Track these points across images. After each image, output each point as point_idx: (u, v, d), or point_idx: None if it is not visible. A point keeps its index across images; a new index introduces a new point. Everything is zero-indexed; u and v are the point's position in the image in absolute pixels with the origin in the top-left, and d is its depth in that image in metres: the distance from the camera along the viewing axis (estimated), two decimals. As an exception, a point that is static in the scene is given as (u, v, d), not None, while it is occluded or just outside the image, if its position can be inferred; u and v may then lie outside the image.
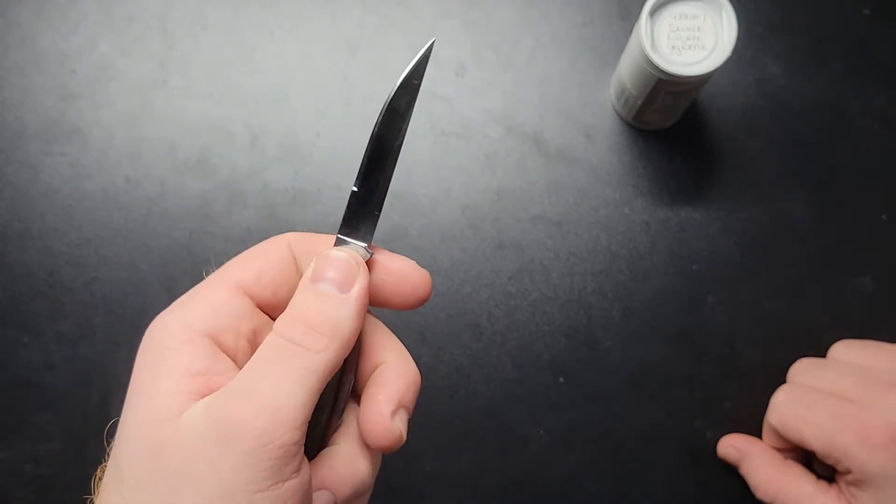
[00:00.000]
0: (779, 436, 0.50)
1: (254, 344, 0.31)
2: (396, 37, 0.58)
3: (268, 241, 0.33)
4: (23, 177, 0.56)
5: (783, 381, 0.52)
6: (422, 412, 0.55)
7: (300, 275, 0.32)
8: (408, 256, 0.34)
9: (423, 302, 0.34)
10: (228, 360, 0.30)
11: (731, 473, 0.53)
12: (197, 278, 0.33)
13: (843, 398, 0.47)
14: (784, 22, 0.57)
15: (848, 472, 0.45)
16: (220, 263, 0.33)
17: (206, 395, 0.28)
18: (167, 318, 0.30)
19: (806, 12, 0.57)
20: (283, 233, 0.34)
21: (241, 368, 0.29)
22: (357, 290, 0.30)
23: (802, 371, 0.51)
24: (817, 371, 0.50)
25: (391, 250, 0.34)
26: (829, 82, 0.56)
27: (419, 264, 0.33)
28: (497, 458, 0.54)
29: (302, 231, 0.35)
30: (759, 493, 0.50)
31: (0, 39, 0.57)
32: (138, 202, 0.56)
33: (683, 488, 0.54)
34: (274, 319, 0.31)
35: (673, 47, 0.47)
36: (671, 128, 0.56)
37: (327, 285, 0.30)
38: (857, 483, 0.45)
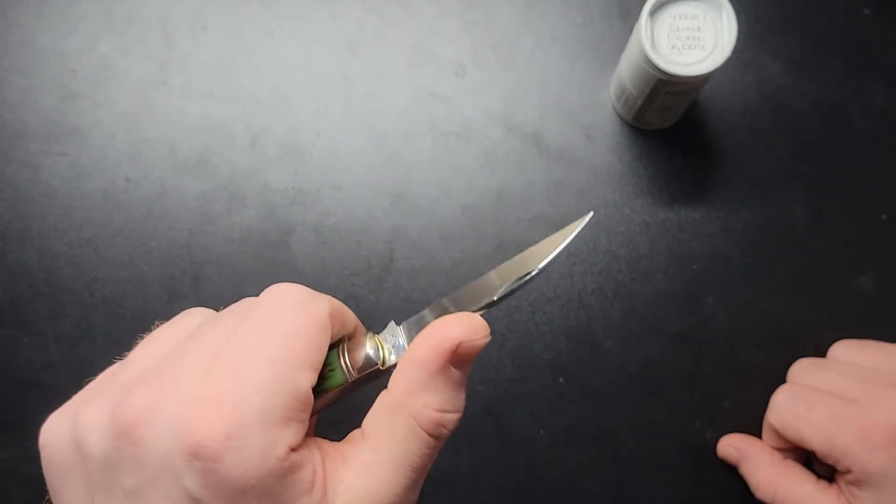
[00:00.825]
0: (778, 435, 0.50)
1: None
2: (396, 37, 0.58)
3: (308, 320, 0.30)
4: (23, 177, 0.56)
5: (783, 381, 0.52)
6: (422, 412, 0.55)
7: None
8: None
9: None
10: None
11: (731, 473, 0.53)
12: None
13: (843, 398, 0.47)
14: (784, 22, 0.57)
15: (848, 471, 0.45)
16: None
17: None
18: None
19: (806, 12, 0.57)
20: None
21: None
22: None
23: (802, 371, 0.51)
24: (817, 371, 0.50)
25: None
26: (829, 82, 0.56)
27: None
28: (497, 458, 0.54)
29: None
30: (759, 493, 0.50)
31: (0, 39, 0.57)
32: (138, 202, 0.56)
33: (683, 488, 0.54)
34: None
35: (673, 47, 0.47)
36: (671, 128, 0.56)
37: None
38: (858, 483, 0.45)
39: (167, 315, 0.54)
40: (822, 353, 0.53)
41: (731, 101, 0.56)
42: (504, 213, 0.55)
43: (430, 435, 0.30)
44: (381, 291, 0.54)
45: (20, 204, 0.56)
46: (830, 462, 0.46)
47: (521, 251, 0.33)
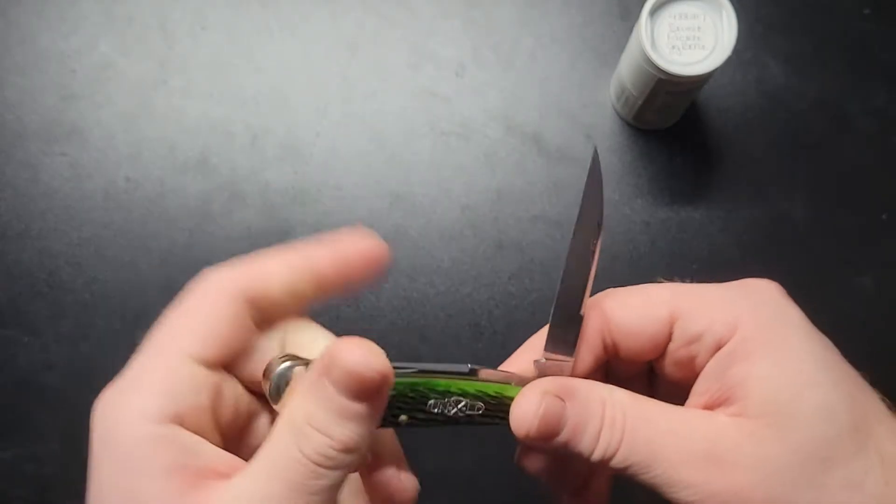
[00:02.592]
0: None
1: (217, 412, 0.29)
2: (396, 37, 0.58)
3: (203, 295, 0.30)
4: (23, 177, 0.56)
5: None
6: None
7: (253, 321, 0.30)
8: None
9: None
10: (200, 440, 0.27)
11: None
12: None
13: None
14: (784, 22, 0.57)
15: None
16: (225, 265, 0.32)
17: (193, 486, 0.26)
18: (120, 406, 0.27)
19: (806, 12, 0.57)
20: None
21: (211, 443, 0.27)
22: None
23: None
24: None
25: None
26: (829, 82, 0.56)
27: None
28: (497, 457, 0.54)
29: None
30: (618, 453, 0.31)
31: (0, 39, 0.57)
32: (138, 202, 0.56)
33: (683, 488, 0.54)
34: (230, 372, 0.29)
35: (673, 47, 0.47)
36: (671, 128, 0.56)
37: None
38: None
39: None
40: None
41: (731, 101, 0.56)
42: (504, 213, 0.55)
43: (309, 459, 0.26)
44: (381, 291, 0.54)
45: (20, 204, 0.56)
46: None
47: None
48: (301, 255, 0.31)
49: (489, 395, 0.30)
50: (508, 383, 0.31)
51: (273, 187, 0.56)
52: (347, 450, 0.26)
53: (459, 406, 0.30)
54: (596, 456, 0.30)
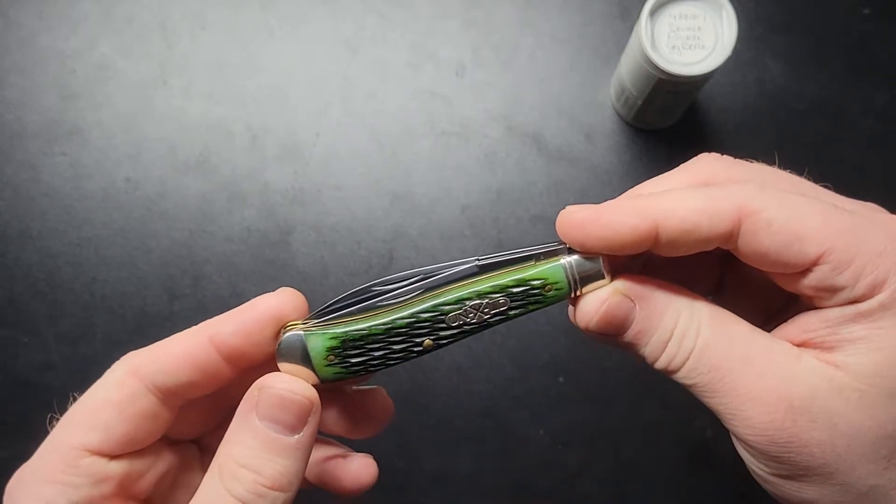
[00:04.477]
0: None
1: (131, 491, 0.29)
2: (396, 37, 0.58)
3: (107, 385, 0.29)
4: (23, 177, 0.56)
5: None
6: (422, 412, 0.56)
7: (165, 404, 0.29)
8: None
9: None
10: None
11: (731, 473, 0.53)
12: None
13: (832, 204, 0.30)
14: (784, 22, 0.57)
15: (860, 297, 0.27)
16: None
17: None
18: (24, 495, 0.28)
19: (806, 12, 0.57)
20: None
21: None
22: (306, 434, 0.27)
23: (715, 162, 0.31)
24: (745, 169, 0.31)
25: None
26: (829, 82, 0.56)
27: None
28: (497, 458, 0.54)
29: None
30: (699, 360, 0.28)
31: (0, 39, 0.57)
32: (138, 202, 0.56)
33: (683, 488, 0.54)
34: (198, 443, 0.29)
35: (673, 47, 0.47)
36: (671, 128, 0.56)
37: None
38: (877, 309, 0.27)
39: (167, 315, 0.54)
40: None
41: (731, 101, 0.56)
42: (504, 213, 0.55)
43: (239, 499, 0.26)
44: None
45: (20, 204, 0.56)
46: (822, 286, 0.27)
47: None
48: (205, 331, 0.29)
49: (510, 287, 0.28)
50: (531, 261, 0.28)
51: (273, 187, 0.56)
52: (279, 487, 0.26)
53: (482, 309, 0.28)
54: (659, 365, 0.28)
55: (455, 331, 0.28)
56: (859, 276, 0.26)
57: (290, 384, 0.26)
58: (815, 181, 0.32)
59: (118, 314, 0.54)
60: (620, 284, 0.28)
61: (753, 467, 0.28)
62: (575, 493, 0.53)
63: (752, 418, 0.26)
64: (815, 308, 0.27)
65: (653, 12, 0.47)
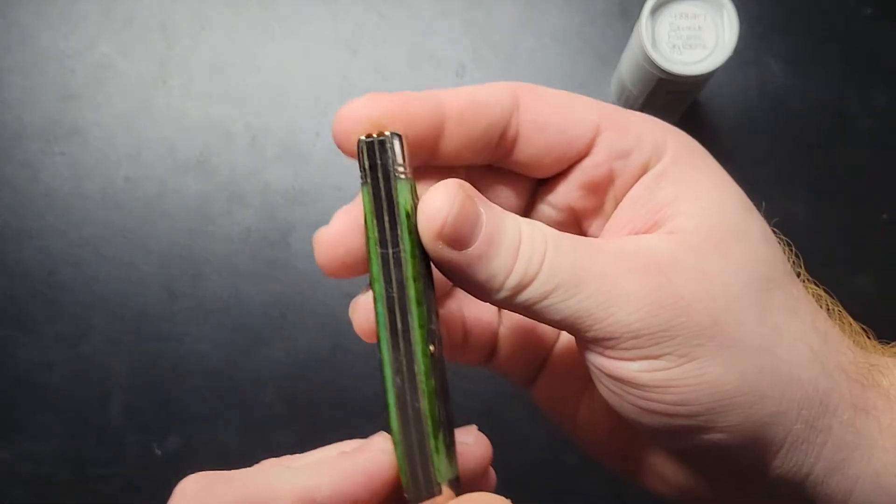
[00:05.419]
0: None
1: None
2: (396, 37, 0.58)
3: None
4: (23, 177, 0.56)
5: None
6: (422, 412, 0.55)
7: None
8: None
9: None
10: None
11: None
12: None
13: None
14: (784, 22, 0.57)
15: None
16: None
17: None
18: None
19: (806, 12, 0.57)
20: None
21: None
22: None
23: None
24: None
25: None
26: (829, 82, 0.56)
27: None
28: (497, 458, 0.54)
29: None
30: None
31: (0, 39, 0.57)
32: (138, 202, 0.56)
33: (684, 488, 0.54)
34: None
35: (674, 46, 0.47)
36: (671, 128, 0.56)
37: None
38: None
39: (167, 315, 0.54)
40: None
41: (731, 101, 0.56)
42: (504, 213, 0.55)
43: None
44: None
45: (20, 204, 0.56)
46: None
47: None
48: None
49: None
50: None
51: (273, 187, 0.56)
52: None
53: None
54: (513, 280, 0.24)
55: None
56: (641, 138, 0.26)
57: None
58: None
59: (118, 314, 0.54)
60: (460, 183, 0.24)
61: (635, 396, 0.25)
62: (574, 493, 0.53)
63: (627, 294, 0.23)
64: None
65: (653, 12, 0.47)
